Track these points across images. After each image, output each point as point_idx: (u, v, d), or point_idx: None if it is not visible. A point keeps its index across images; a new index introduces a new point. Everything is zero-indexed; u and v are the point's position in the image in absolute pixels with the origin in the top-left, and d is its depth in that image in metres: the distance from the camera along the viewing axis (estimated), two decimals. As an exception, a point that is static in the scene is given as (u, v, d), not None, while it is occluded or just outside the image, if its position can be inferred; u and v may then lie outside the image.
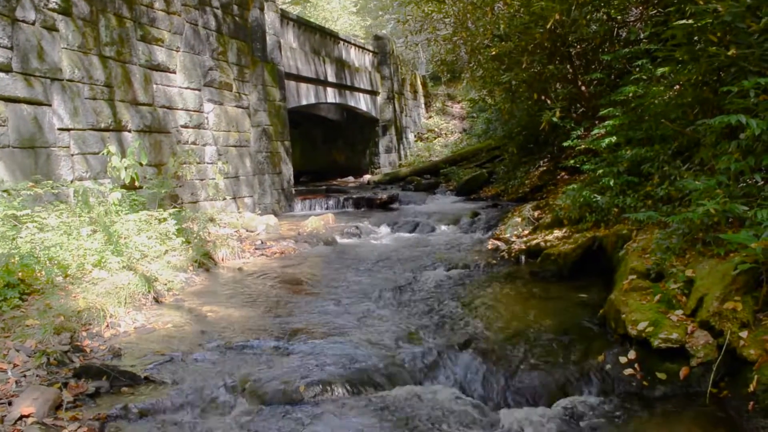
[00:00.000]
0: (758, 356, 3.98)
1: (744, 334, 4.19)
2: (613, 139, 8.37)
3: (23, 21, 8.26)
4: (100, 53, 9.69)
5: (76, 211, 7.77)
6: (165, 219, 8.68)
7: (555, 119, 11.15)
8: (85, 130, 9.20)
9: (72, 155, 8.93)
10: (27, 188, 7.42)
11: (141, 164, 9.07)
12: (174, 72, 11.63)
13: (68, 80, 8.94)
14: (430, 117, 30.63)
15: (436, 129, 29.41)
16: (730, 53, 5.80)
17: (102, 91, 9.64)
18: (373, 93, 23.85)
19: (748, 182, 5.32)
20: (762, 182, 5.24)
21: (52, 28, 8.73)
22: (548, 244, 8.33)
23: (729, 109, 5.47)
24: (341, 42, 21.33)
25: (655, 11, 10.03)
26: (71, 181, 8.78)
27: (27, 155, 8.19)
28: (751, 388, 3.84)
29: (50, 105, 8.61)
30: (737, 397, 3.96)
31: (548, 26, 10.08)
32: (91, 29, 9.50)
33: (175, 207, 10.06)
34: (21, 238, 6.61)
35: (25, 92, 8.19)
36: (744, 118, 4.97)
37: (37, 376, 4.44)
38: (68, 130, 8.89)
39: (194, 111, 12.18)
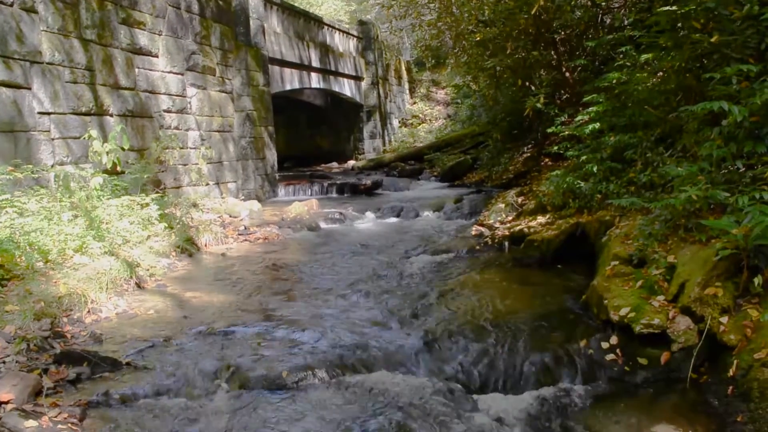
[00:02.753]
0: (738, 341, 4.02)
1: (724, 319, 4.23)
2: (597, 125, 8.39)
3: (0, 2, 8.10)
4: (81, 36, 9.55)
5: (57, 196, 7.67)
6: (147, 204, 8.60)
7: (539, 105, 11.15)
8: (65, 114, 9.08)
9: (53, 139, 8.81)
10: (6, 173, 7.30)
11: (123, 149, 8.96)
12: (156, 56, 11.49)
13: (48, 63, 8.80)
14: (415, 103, 30.53)
15: (420, 115, 29.34)
16: (713, 40, 5.82)
17: (83, 75, 9.51)
18: (357, 78, 23.74)
19: (730, 169, 5.35)
20: (744, 169, 5.27)
21: (31, 10, 8.58)
22: (532, 230, 8.34)
23: (711, 95, 5.50)
24: (325, 27, 21.18)
25: (639, -3, 10.05)
26: (52, 166, 8.67)
27: (6, 139, 8.06)
28: (731, 372, 3.88)
29: (30, 88, 8.47)
30: (717, 382, 4.00)
31: (533, 12, 10.05)
32: (71, 12, 9.34)
33: (157, 192, 9.98)
34: (0, 223, 6.52)
35: (3, 75, 8.05)
36: (726, 105, 4.99)
37: (16, 362, 4.39)
38: (48, 114, 8.76)
39: (177, 95, 12.06)
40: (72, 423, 3.72)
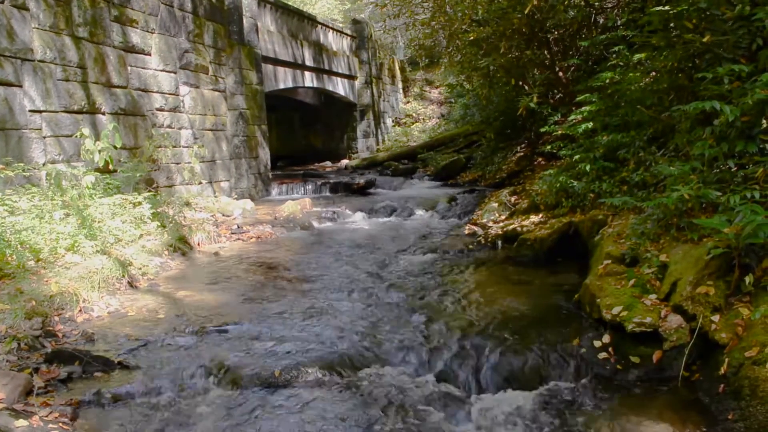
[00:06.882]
0: (729, 340, 4.04)
1: (716, 318, 4.25)
2: (590, 125, 8.42)
3: (-7, 0, 8.08)
4: (73, 34, 9.51)
5: (49, 194, 7.63)
6: (140, 203, 8.57)
7: (532, 105, 11.17)
8: (57, 112, 9.04)
9: (44, 138, 8.77)
10: (-3, 171, 7.29)
11: (115, 147, 8.93)
12: (149, 54, 11.46)
13: (40, 61, 8.76)
14: (408, 102, 30.51)
15: (414, 114, 29.31)
16: (705, 40, 5.85)
17: (75, 73, 9.46)
18: (351, 77, 23.72)
19: (722, 168, 5.38)
20: (735, 168, 5.30)
21: (22, 7, 8.54)
22: (525, 229, 8.36)
23: (704, 95, 5.52)
24: (319, 26, 21.14)
25: (632, -3, 10.06)
26: (43, 164, 8.63)
27: (-3, 137, 8.04)
28: (722, 371, 3.90)
29: (21, 86, 8.43)
30: (708, 380, 4.01)
31: (526, 11, 10.06)
32: (63, 9, 9.30)
33: (150, 191, 9.95)
34: (-9, 221, 6.50)
35: (-5, 73, 8.03)
36: (718, 105, 5.02)
37: (7, 361, 4.37)
38: (40, 112, 8.72)
39: (170, 94, 12.02)
40: (63, 422, 3.71)
